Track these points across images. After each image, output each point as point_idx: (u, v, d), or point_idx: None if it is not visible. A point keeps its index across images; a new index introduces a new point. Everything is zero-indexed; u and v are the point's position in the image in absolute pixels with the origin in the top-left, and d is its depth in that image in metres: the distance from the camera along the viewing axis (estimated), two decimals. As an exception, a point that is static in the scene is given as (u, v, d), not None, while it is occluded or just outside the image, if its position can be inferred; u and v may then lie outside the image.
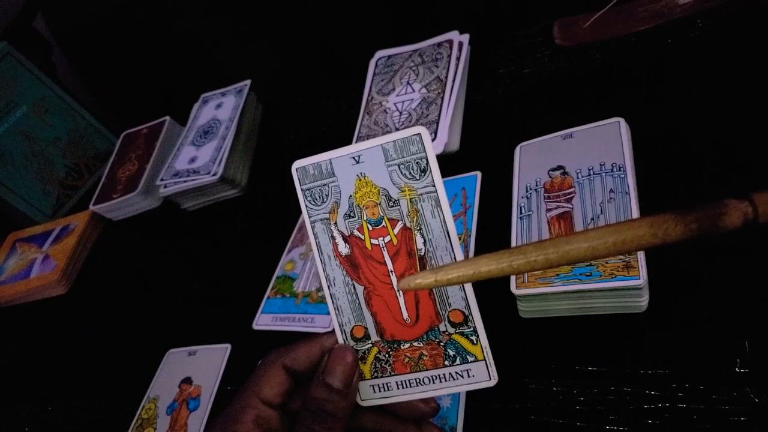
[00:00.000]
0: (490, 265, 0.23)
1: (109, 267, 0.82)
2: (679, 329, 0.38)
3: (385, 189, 0.30)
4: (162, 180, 0.76)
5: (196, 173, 0.73)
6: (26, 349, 0.80)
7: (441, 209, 0.29)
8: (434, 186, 0.29)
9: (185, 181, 0.73)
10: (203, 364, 0.57)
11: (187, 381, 0.57)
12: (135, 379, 0.60)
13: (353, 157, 0.30)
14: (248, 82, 0.81)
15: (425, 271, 0.25)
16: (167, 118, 0.88)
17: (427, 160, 0.29)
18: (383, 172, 0.30)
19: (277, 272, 0.60)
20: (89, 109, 1.00)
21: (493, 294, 0.44)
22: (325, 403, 0.29)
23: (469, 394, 0.42)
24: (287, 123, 0.82)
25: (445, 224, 0.29)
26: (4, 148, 0.89)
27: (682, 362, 0.36)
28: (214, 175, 0.71)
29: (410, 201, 0.30)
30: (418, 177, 0.29)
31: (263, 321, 0.56)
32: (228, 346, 0.57)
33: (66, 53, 1.24)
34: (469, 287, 0.29)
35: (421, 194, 0.29)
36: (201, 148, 0.76)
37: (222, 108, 0.80)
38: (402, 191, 0.30)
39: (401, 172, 0.29)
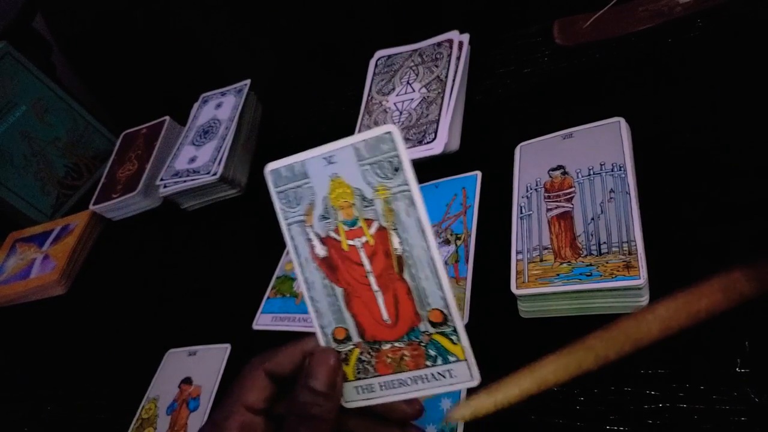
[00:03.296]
0: (556, 373, 0.21)
1: (109, 267, 0.82)
2: (679, 329, 0.38)
3: (359, 189, 0.29)
4: (162, 180, 0.76)
5: (196, 173, 0.73)
6: (26, 349, 0.80)
7: (415, 208, 0.28)
8: (408, 185, 0.28)
9: (185, 181, 0.73)
10: (203, 364, 0.57)
11: (187, 381, 0.57)
12: (135, 379, 0.60)
13: (325, 158, 0.30)
14: (248, 81, 0.81)
15: (480, 395, 0.23)
16: (167, 118, 0.88)
17: (399, 158, 0.28)
18: (356, 172, 0.29)
19: (277, 272, 0.60)
20: (89, 109, 1.00)
21: (493, 294, 0.44)
22: (311, 407, 0.29)
23: (469, 393, 0.41)
24: (287, 123, 0.82)
25: (420, 223, 0.29)
26: (4, 147, 0.89)
27: (682, 362, 0.36)
28: (214, 174, 0.71)
29: (385, 200, 0.29)
30: (391, 176, 0.29)
31: (263, 321, 0.56)
32: (228, 346, 0.57)
33: (66, 53, 1.24)
34: (447, 285, 0.29)
35: (395, 193, 0.29)
36: (201, 147, 0.76)
37: (222, 108, 0.80)
38: (376, 191, 0.29)
39: (374, 172, 0.29)
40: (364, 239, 0.30)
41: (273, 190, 0.31)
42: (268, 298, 0.58)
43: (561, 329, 0.41)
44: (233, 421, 0.30)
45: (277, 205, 0.31)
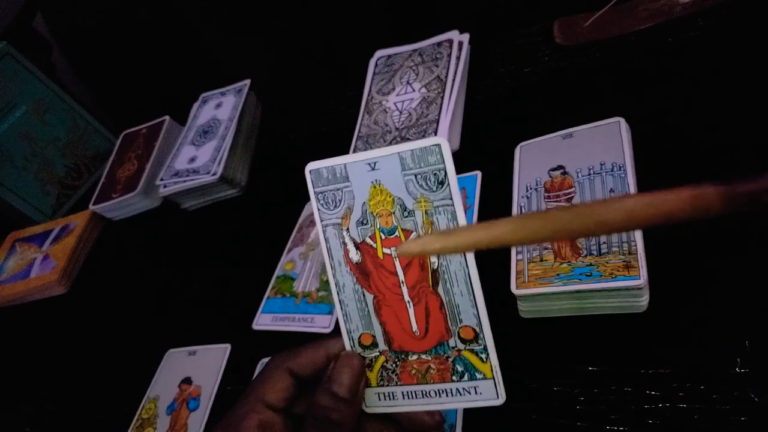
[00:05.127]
0: (514, 233, 0.21)
1: (109, 267, 0.82)
2: (679, 329, 0.38)
3: (400, 198, 0.29)
4: (161, 180, 0.76)
5: (196, 173, 0.73)
6: (26, 349, 0.80)
7: (457, 224, 0.28)
8: (452, 199, 0.28)
9: (185, 181, 0.73)
10: (203, 364, 0.57)
11: (187, 381, 0.57)
12: (135, 379, 0.60)
13: (369, 164, 0.29)
14: (248, 81, 0.81)
15: (432, 235, 0.23)
16: (167, 117, 0.88)
17: (445, 172, 0.28)
18: (399, 181, 0.29)
19: (277, 272, 0.60)
20: (89, 109, 1.00)
21: (493, 294, 0.44)
22: (331, 412, 0.29)
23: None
24: (287, 123, 0.82)
25: None
26: (4, 148, 0.89)
27: (682, 362, 0.36)
28: (214, 174, 0.71)
29: (425, 213, 0.29)
30: (435, 189, 0.28)
31: (263, 321, 0.56)
32: (228, 346, 0.57)
33: (66, 53, 1.24)
34: (482, 303, 0.29)
35: (437, 207, 0.28)
36: (201, 147, 0.76)
37: (222, 108, 0.80)
38: (417, 202, 0.29)
39: (417, 183, 0.28)
40: None
41: (312, 190, 0.31)
42: (268, 298, 0.58)
43: (561, 329, 0.41)
44: (252, 419, 0.30)
45: (315, 205, 0.31)
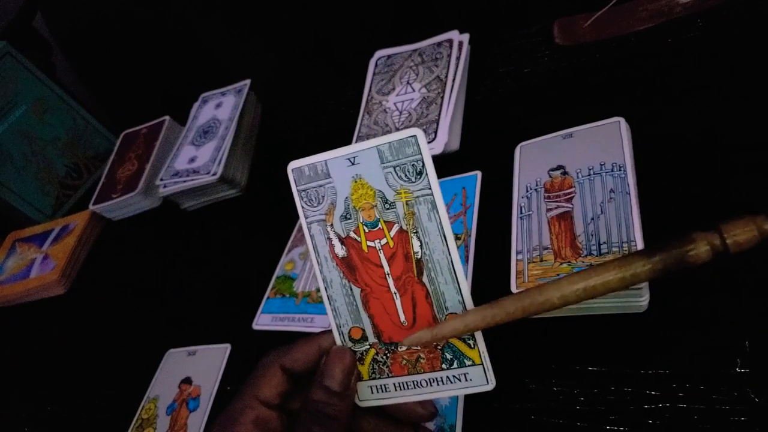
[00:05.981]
0: (476, 321, 0.27)
1: (109, 267, 0.82)
2: (679, 329, 0.38)
3: (381, 191, 0.30)
4: (161, 180, 0.76)
5: (196, 173, 0.73)
6: (26, 349, 0.80)
7: (437, 212, 0.29)
8: (430, 188, 0.29)
9: (185, 181, 0.73)
10: (203, 364, 0.57)
11: (187, 381, 0.57)
12: (135, 379, 0.60)
13: (348, 159, 0.30)
14: (248, 81, 0.81)
15: (424, 329, 0.28)
16: (167, 117, 0.88)
17: (422, 162, 0.28)
18: (379, 174, 0.29)
19: (277, 272, 0.60)
20: (89, 108, 1.00)
21: (493, 294, 0.44)
22: (325, 406, 0.29)
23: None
24: (287, 123, 0.82)
25: (442, 227, 0.29)
26: (4, 147, 0.89)
27: (682, 362, 0.36)
28: (214, 174, 0.71)
29: (406, 203, 0.29)
30: (413, 179, 0.29)
31: (263, 321, 0.56)
32: (228, 346, 0.57)
33: (66, 53, 1.24)
34: (466, 290, 0.29)
35: (417, 197, 0.29)
36: (201, 147, 0.76)
37: (222, 108, 0.80)
38: (398, 193, 0.29)
39: (397, 174, 0.29)
40: (384, 241, 0.30)
41: (295, 188, 0.31)
42: (268, 298, 0.58)
43: (560, 329, 0.41)
44: (247, 415, 0.30)
45: (299, 203, 0.31)
